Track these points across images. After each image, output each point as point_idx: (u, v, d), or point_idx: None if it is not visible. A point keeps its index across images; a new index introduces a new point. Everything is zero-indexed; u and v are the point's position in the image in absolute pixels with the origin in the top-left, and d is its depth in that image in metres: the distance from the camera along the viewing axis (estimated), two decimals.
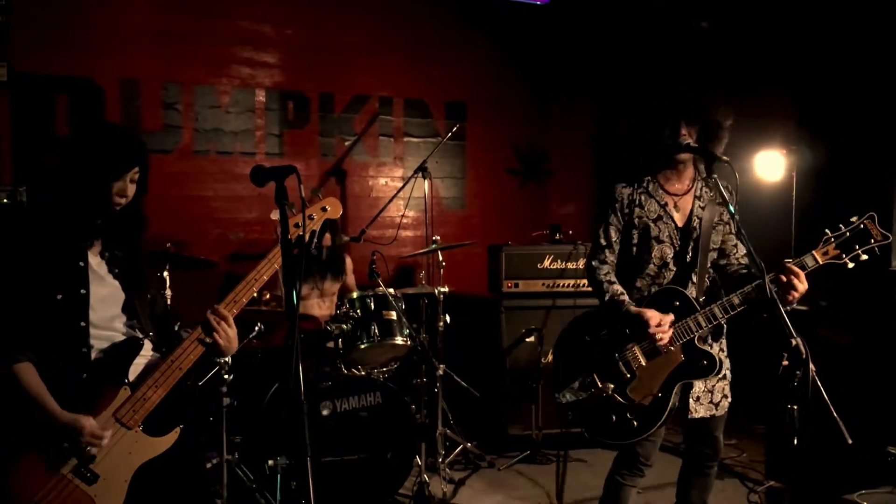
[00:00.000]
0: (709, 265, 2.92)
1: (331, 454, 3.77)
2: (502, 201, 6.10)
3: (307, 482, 1.98)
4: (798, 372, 2.28)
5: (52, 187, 2.29)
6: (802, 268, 2.67)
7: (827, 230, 2.71)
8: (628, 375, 2.84)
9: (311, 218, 2.40)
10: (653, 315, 2.75)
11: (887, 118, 4.52)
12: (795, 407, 2.31)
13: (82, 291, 2.22)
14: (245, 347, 3.42)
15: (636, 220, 2.91)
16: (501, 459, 4.64)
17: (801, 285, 2.64)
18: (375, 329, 4.06)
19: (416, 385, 4.52)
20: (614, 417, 2.85)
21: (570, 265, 4.90)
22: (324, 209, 2.43)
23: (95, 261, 2.29)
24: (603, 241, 2.95)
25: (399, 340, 4.10)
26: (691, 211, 2.92)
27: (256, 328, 3.73)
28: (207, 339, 2.27)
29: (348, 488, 3.79)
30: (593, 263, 2.96)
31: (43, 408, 2.11)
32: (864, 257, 2.67)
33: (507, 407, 4.83)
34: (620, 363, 2.84)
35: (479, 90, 5.95)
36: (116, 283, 2.32)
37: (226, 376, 3.65)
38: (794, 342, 2.29)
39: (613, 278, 2.91)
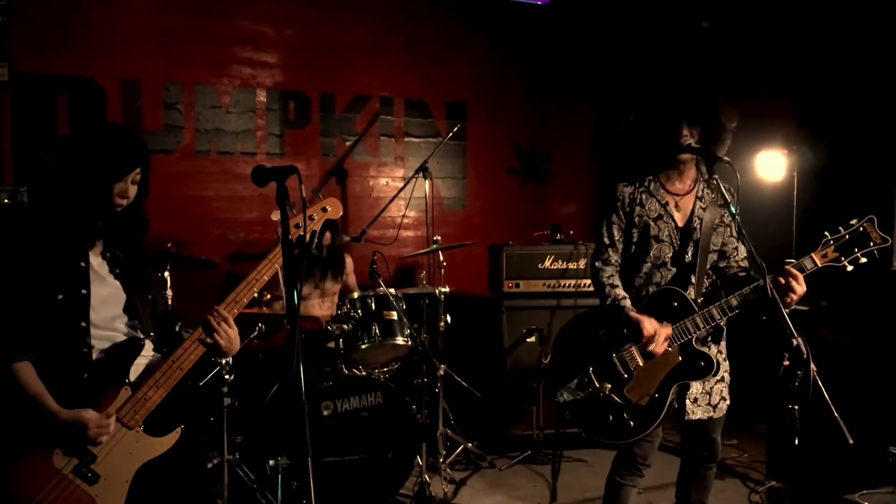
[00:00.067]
0: (708, 266, 2.92)
1: (332, 454, 3.77)
2: (503, 201, 6.10)
3: (308, 482, 1.98)
4: (799, 372, 2.28)
5: (53, 188, 2.29)
6: (801, 270, 2.67)
7: (826, 233, 2.71)
8: (626, 375, 2.84)
9: (311, 218, 2.40)
10: (648, 327, 2.74)
11: (888, 117, 4.51)
12: (796, 407, 2.31)
13: (83, 291, 2.22)
14: (246, 347, 3.42)
15: (636, 219, 2.91)
16: (502, 459, 4.64)
17: (800, 288, 2.64)
18: (376, 329, 4.06)
19: (416, 385, 4.52)
20: (611, 417, 2.85)
21: (570, 265, 4.90)
22: (324, 209, 2.43)
23: (97, 261, 2.29)
24: (606, 240, 2.95)
25: (400, 340, 4.11)
26: (692, 211, 2.91)
27: (257, 328, 3.73)
28: (208, 340, 2.27)
29: (349, 488, 3.79)
30: (597, 264, 2.96)
31: (43, 407, 2.11)
32: (864, 260, 2.67)
33: (507, 407, 4.83)
34: (618, 363, 2.84)
35: (479, 90, 5.95)
36: (118, 283, 2.32)
37: (227, 376, 3.65)
38: (795, 342, 2.29)
39: (616, 281, 2.91)
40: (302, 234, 2.26)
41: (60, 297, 2.19)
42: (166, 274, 3.92)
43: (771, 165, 4.73)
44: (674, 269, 2.90)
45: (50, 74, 4.68)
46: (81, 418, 2.12)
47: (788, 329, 2.31)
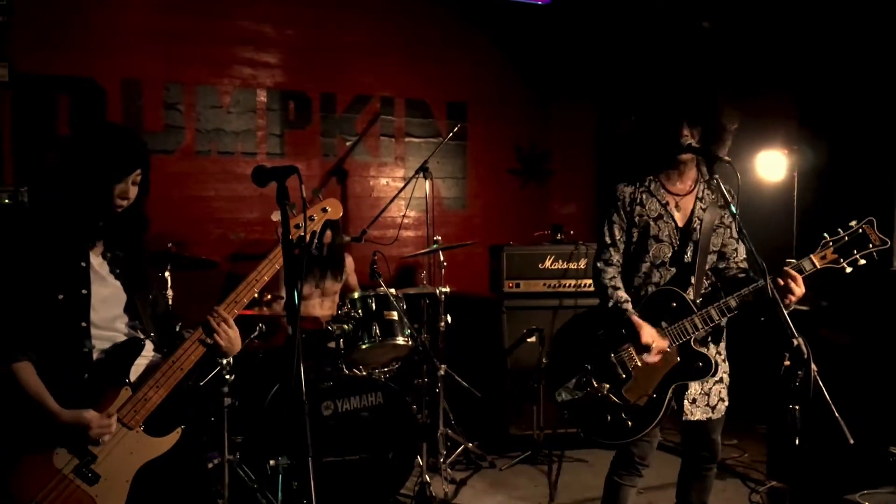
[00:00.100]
0: (707, 267, 2.92)
1: (332, 454, 3.77)
2: (503, 201, 6.10)
3: (308, 482, 1.98)
4: (800, 372, 2.28)
5: (54, 188, 2.29)
6: (800, 272, 2.67)
7: (825, 234, 2.71)
8: (624, 376, 2.84)
9: (311, 219, 2.40)
10: (647, 336, 2.75)
11: (889, 117, 4.51)
12: (797, 407, 2.31)
13: (83, 292, 2.22)
14: (246, 347, 3.42)
15: (637, 219, 2.91)
16: (503, 459, 4.64)
17: (798, 289, 2.65)
18: (377, 329, 4.06)
19: (417, 385, 4.52)
20: (609, 417, 2.85)
21: (571, 265, 4.90)
22: (324, 210, 2.43)
23: (97, 261, 2.30)
24: (608, 240, 2.95)
25: (400, 340, 4.10)
26: (692, 211, 2.91)
27: (258, 328, 3.73)
28: (208, 340, 2.27)
29: (350, 488, 3.79)
30: (598, 265, 2.95)
31: (44, 407, 2.12)
32: (863, 262, 2.67)
33: (508, 407, 4.83)
34: (616, 363, 2.84)
35: (480, 90, 5.95)
36: (118, 283, 2.32)
37: (227, 376, 3.66)
38: (796, 342, 2.29)
39: (619, 283, 2.90)
40: (302, 234, 2.27)
41: (61, 297, 2.19)
42: (167, 274, 3.92)
43: (771, 165, 4.73)
44: (673, 269, 2.90)
45: (50, 74, 4.68)
46: (83, 419, 2.12)
47: (789, 329, 2.31)
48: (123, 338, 2.30)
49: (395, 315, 4.13)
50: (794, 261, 2.72)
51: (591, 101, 6.30)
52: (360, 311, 4.08)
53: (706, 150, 2.79)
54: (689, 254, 2.89)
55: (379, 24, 5.60)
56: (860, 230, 2.67)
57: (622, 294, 2.86)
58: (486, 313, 5.04)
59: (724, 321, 2.82)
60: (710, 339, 2.89)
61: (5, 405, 2.14)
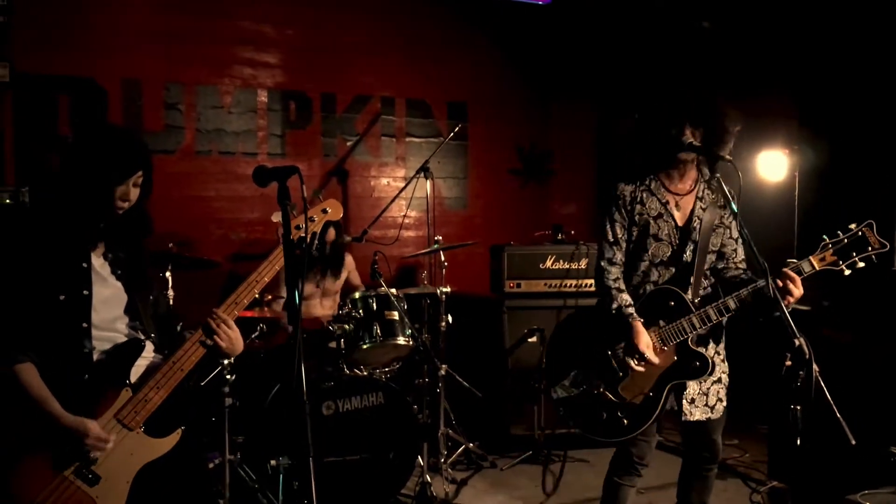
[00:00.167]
0: (707, 267, 2.92)
1: (333, 454, 3.77)
2: (504, 201, 6.10)
3: (309, 482, 1.98)
4: (801, 372, 2.27)
5: (55, 189, 2.29)
6: (799, 273, 2.68)
7: (825, 236, 2.71)
8: (620, 374, 2.84)
9: (311, 220, 2.40)
10: (642, 344, 2.75)
11: (889, 117, 4.51)
12: (798, 407, 2.31)
13: (85, 292, 2.22)
14: (247, 347, 3.41)
15: (637, 217, 2.91)
16: (503, 459, 4.63)
17: (797, 290, 2.65)
18: (378, 329, 4.05)
19: (418, 385, 4.52)
20: (605, 415, 2.85)
21: (572, 265, 4.90)
22: (324, 211, 2.42)
23: (98, 262, 2.30)
24: (610, 238, 2.94)
25: (401, 340, 4.10)
26: (692, 211, 2.91)
27: (258, 328, 3.73)
28: (208, 342, 2.27)
29: (350, 488, 3.79)
30: (602, 264, 2.94)
31: (46, 409, 2.11)
32: (862, 265, 2.67)
33: (509, 407, 4.83)
34: (613, 361, 2.84)
35: (480, 90, 5.95)
36: (119, 284, 2.32)
37: (228, 376, 3.65)
38: (797, 342, 2.29)
39: (622, 284, 2.89)
40: (303, 234, 2.26)
41: (62, 297, 2.19)
42: (168, 274, 3.92)
43: (772, 165, 4.72)
44: (672, 269, 2.90)
45: (50, 74, 4.68)
46: (83, 427, 2.11)
47: (791, 329, 2.31)
48: (124, 339, 2.30)
49: (395, 315, 4.12)
50: (794, 262, 2.72)
51: (592, 101, 6.30)
52: (360, 311, 4.08)
53: (707, 149, 2.78)
54: (688, 253, 2.89)
55: (379, 24, 5.60)
56: (860, 233, 2.68)
57: (626, 297, 2.85)
58: (487, 313, 5.03)
59: (723, 321, 2.81)
60: (709, 338, 2.89)
61: (6, 406, 2.13)
